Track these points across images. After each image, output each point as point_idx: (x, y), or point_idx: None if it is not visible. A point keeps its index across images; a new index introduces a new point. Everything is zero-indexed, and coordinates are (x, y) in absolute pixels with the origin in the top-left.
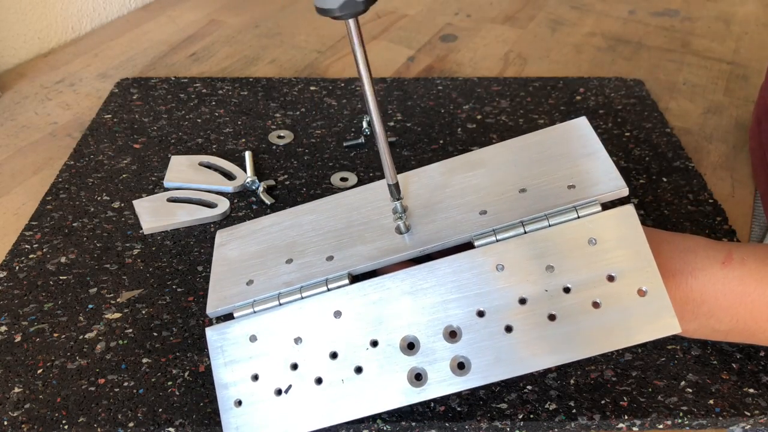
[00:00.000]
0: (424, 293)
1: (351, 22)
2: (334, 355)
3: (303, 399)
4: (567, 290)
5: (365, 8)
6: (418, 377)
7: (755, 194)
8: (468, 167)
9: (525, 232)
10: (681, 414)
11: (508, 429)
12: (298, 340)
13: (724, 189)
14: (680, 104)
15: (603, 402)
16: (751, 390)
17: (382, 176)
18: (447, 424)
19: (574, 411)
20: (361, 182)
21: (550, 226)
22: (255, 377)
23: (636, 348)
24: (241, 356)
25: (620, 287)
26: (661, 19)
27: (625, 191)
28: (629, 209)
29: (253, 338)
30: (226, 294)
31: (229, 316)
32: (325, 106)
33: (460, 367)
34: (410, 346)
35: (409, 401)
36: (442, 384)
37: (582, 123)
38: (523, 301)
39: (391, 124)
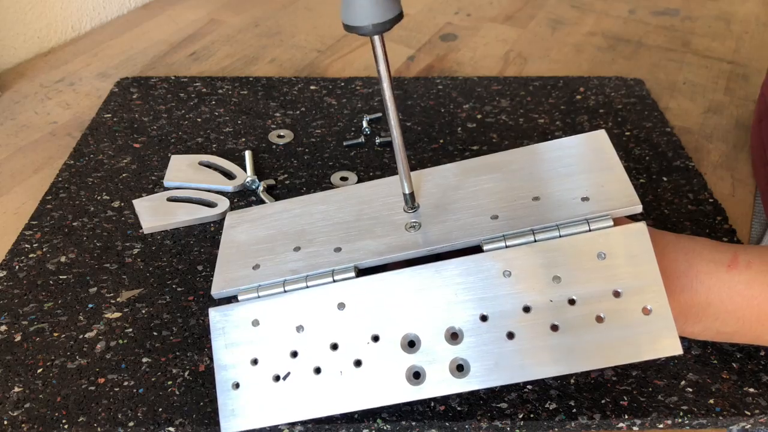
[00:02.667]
0: (429, 293)
1: (377, 38)
2: (334, 347)
3: (300, 387)
4: (572, 302)
5: (392, 26)
6: (416, 375)
7: (755, 193)
8: (483, 170)
9: (535, 241)
10: (681, 413)
11: (508, 428)
12: (300, 329)
13: (725, 188)
14: (680, 103)
15: (603, 401)
16: (752, 389)
17: (382, 176)
18: (447, 424)
19: (574, 410)
20: (361, 181)
21: (560, 236)
22: (254, 361)
23: None
24: (243, 339)
25: (625, 304)
26: (661, 19)
27: (638, 208)
28: (641, 227)
29: (255, 322)
30: (232, 276)
31: (233, 299)
32: (325, 106)
33: (459, 369)
34: (411, 344)
35: (405, 398)
36: (440, 384)
37: (601, 136)
38: (527, 309)
39: None
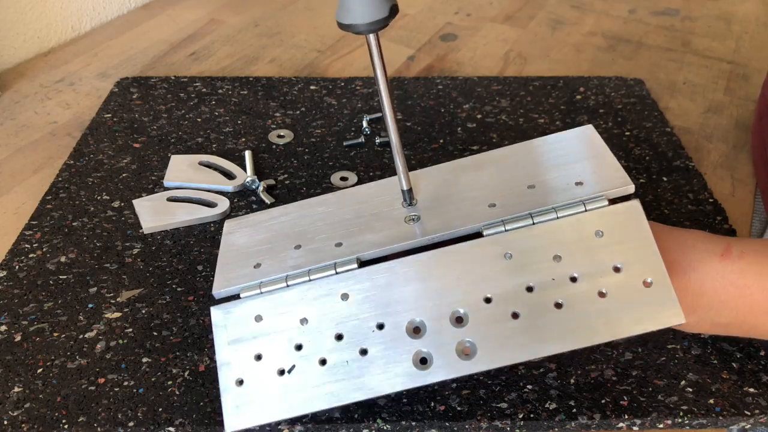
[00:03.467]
0: (432, 279)
1: (371, 36)
2: (339, 337)
3: (306, 379)
4: (574, 279)
5: (385, 24)
6: (423, 361)
7: (755, 192)
8: (477, 167)
9: (533, 223)
10: (681, 413)
11: (509, 428)
12: (303, 321)
13: (725, 188)
14: (680, 103)
15: (603, 401)
16: (752, 389)
17: (382, 176)
18: (447, 424)
19: (574, 410)
20: (361, 181)
21: (558, 218)
22: (258, 357)
23: (636, 347)
24: (245, 335)
25: (626, 278)
26: (661, 19)
27: (631, 188)
28: (635, 204)
29: (258, 318)
30: (233, 275)
31: (234, 298)
32: (325, 106)
33: (466, 352)
34: (416, 330)
35: (413, 384)
36: (447, 368)
37: (588, 130)
38: (530, 289)
39: None
